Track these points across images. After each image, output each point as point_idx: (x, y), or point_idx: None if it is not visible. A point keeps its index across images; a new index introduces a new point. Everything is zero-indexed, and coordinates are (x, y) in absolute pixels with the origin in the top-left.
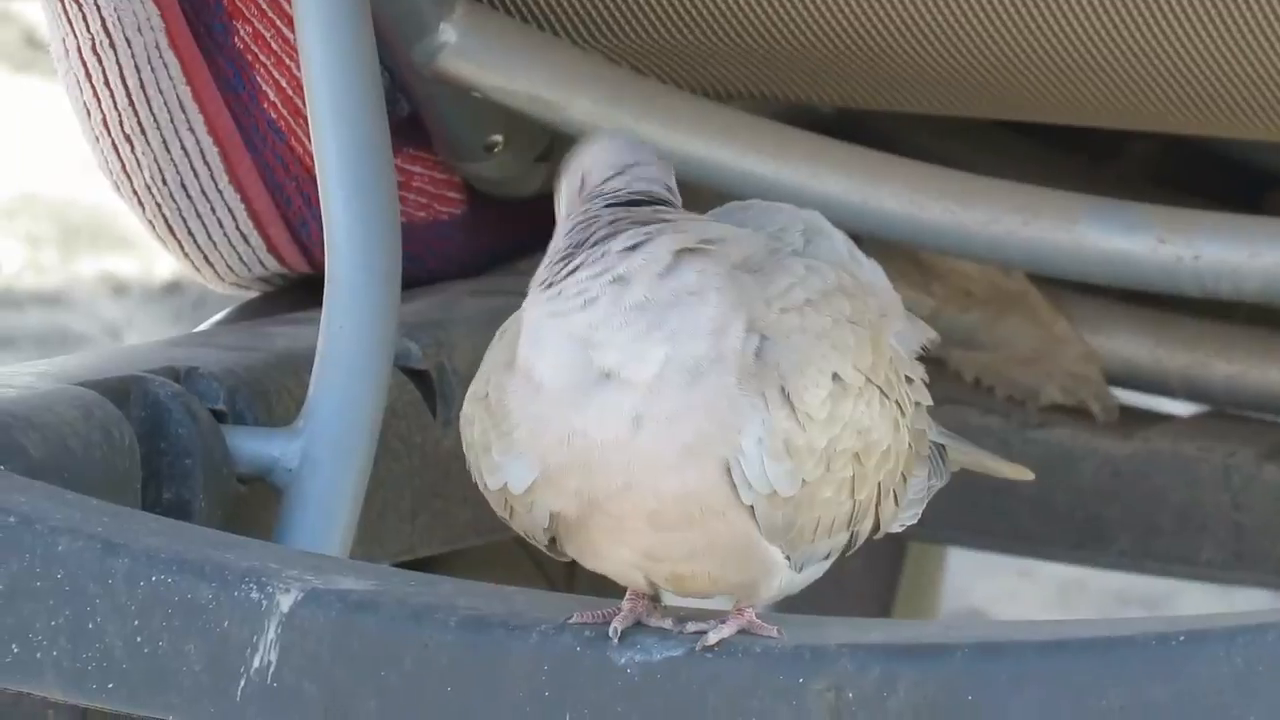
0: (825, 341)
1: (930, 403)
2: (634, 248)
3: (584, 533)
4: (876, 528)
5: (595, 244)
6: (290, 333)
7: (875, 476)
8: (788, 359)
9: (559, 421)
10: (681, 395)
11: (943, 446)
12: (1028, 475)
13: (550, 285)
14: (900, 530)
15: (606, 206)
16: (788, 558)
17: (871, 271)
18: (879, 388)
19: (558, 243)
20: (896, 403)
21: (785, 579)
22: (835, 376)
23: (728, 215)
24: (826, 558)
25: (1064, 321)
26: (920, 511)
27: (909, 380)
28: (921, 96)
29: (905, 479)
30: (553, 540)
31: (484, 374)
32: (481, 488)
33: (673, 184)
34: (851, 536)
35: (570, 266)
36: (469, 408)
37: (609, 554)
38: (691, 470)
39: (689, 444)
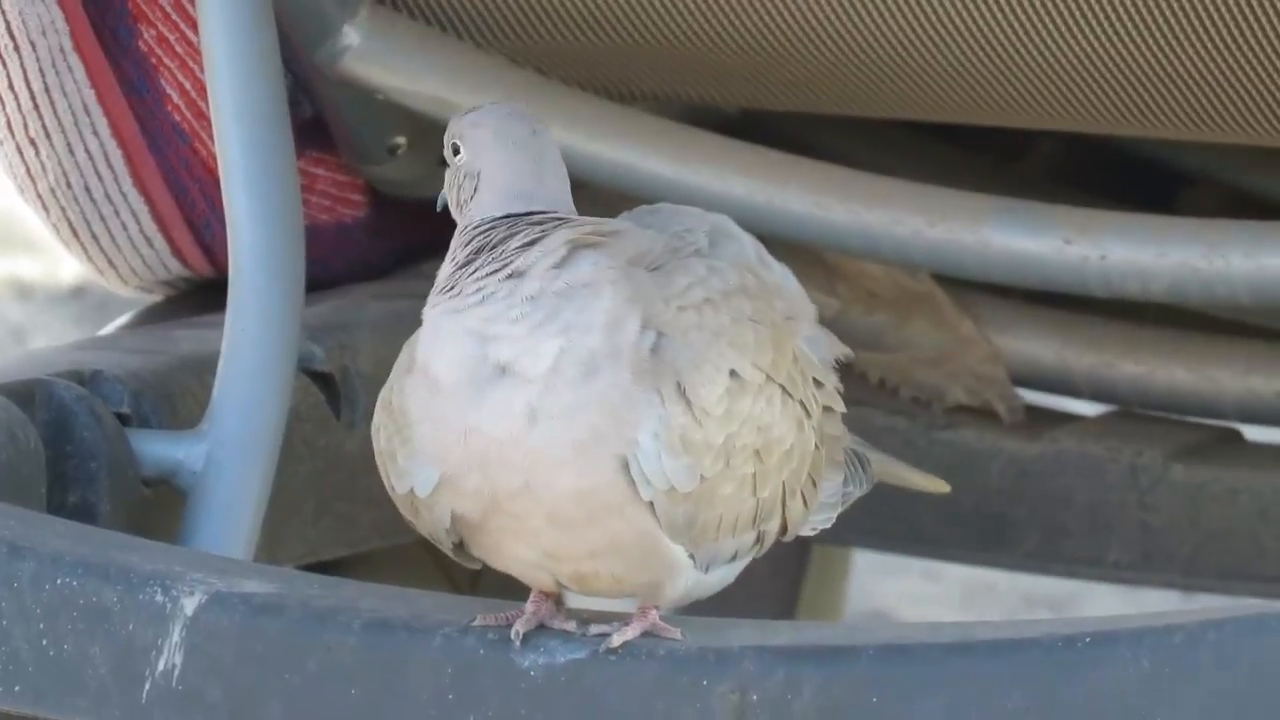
0: (723, 339)
1: (844, 410)
2: (530, 244)
3: (487, 533)
4: (785, 529)
5: (494, 246)
6: (194, 336)
7: (778, 475)
8: (684, 356)
9: (455, 419)
10: (575, 390)
11: (865, 457)
12: (944, 488)
13: (451, 287)
14: (813, 534)
15: (506, 216)
16: (692, 557)
17: (782, 276)
18: (781, 386)
19: (457, 252)
20: (801, 402)
21: (691, 580)
22: (733, 373)
23: (635, 219)
24: (734, 559)
25: (969, 322)
26: (834, 516)
27: (818, 384)
28: (825, 97)
29: (814, 481)
30: (459, 543)
31: (389, 382)
32: (391, 494)
33: (568, 189)
34: (758, 536)
35: (470, 269)
36: (376, 416)
37: (512, 554)
38: (586, 467)
39: (583, 440)
